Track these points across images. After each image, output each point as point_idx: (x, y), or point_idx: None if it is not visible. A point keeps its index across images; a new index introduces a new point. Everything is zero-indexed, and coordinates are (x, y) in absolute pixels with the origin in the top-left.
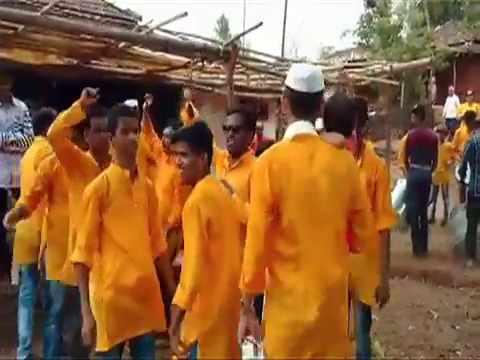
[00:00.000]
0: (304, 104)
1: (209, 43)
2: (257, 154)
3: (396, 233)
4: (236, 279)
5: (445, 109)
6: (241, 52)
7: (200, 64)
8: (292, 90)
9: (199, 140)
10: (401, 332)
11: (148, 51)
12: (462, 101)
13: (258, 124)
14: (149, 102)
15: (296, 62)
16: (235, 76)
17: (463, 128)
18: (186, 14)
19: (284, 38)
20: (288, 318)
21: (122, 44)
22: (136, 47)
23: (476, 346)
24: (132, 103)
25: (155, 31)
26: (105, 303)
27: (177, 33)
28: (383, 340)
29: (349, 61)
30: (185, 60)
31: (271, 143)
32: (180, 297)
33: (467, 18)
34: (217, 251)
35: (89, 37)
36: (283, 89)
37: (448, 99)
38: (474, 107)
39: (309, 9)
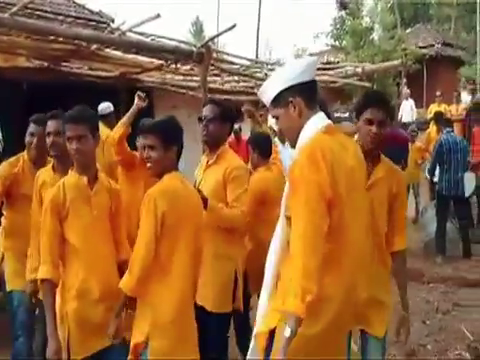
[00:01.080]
0: (315, 93)
1: (182, 45)
2: (254, 145)
3: None
4: (187, 278)
5: (400, 113)
6: (215, 54)
7: (173, 66)
8: (302, 84)
9: (169, 134)
10: None
11: (120, 53)
12: (432, 102)
13: (236, 126)
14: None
15: (270, 64)
16: (209, 78)
17: (433, 128)
18: (159, 16)
19: (258, 40)
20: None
21: (93, 46)
22: (108, 49)
23: (445, 340)
24: (107, 106)
25: (127, 33)
26: (69, 317)
27: (150, 35)
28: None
29: (322, 63)
30: (158, 62)
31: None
32: (126, 283)
33: (436, 21)
34: (169, 246)
35: (59, 39)
36: (288, 93)
37: (403, 102)
38: (443, 108)
39: (283, 11)
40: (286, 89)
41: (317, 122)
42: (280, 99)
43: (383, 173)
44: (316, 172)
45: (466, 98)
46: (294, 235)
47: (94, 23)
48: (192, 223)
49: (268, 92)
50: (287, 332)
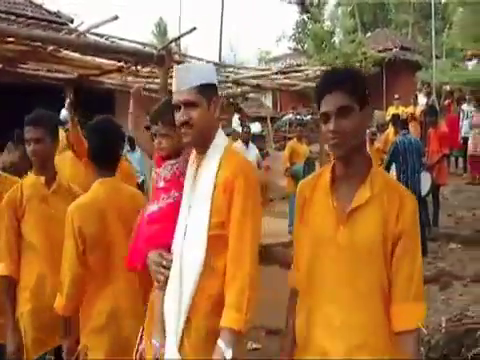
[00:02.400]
0: None
1: (142, 47)
2: None
3: None
4: (122, 289)
5: None
6: (177, 57)
7: (134, 68)
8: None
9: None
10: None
11: (78, 55)
12: (390, 104)
13: None
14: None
15: (234, 67)
16: (170, 80)
17: (391, 130)
18: (117, 18)
19: (221, 43)
20: None
21: (50, 47)
22: (66, 51)
23: None
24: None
25: (87, 35)
26: (24, 319)
27: (109, 37)
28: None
29: (286, 66)
30: (118, 64)
31: None
32: (58, 304)
33: (394, 26)
34: (100, 259)
35: (11, 40)
36: (212, 90)
37: None
38: (400, 110)
39: (247, 14)
40: (211, 85)
41: (223, 135)
42: (203, 92)
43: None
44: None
45: (422, 100)
46: (245, 248)
47: (52, 23)
48: (125, 232)
49: (191, 77)
50: (228, 354)
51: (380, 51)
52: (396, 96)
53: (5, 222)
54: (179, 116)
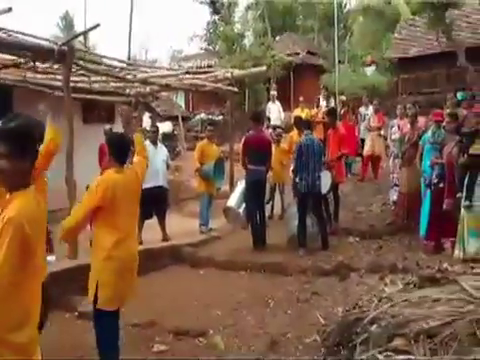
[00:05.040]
0: None
1: (42, 42)
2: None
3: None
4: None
5: (267, 114)
6: (82, 53)
7: (32, 64)
8: None
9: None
10: (240, 323)
11: None
12: (296, 106)
13: (107, 127)
14: None
15: (142, 66)
16: (76, 78)
17: (295, 131)
18: (10, 9)
19: (130, 41)
20: None
21: None
22: None
23: (303, 328)
24: None
25: None
26: None
27: (6, 31)
28: (224, 334)
29: (197, 67)
30: (15, 59)
31: None
32: None
33: (301, 31)
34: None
35: None
36: None
37: (270, 105)
38: (305, 112)
39: (159, 12)
40: None
41: None
42: None
43: None
44: None
45: (322, 103)
46: None
47: None
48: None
49: None
50: None
51: (288, 55)
52: (301, 98)
53: None
54: None
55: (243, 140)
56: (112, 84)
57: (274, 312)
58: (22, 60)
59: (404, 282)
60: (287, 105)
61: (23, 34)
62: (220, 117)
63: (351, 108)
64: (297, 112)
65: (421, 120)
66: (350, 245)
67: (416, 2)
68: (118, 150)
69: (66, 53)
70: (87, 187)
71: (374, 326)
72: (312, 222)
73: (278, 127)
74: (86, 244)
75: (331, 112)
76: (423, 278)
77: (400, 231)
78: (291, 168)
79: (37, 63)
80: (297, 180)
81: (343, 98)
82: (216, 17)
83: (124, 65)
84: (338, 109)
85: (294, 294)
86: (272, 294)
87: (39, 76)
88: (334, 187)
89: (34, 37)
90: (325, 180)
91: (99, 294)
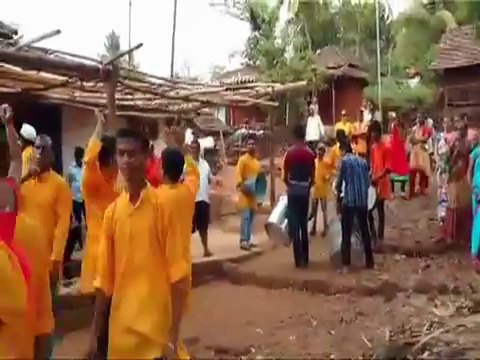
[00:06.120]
0: None
1: (87, 62)
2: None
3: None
4: None
5: (307, 130)
6: (126, 72)
7: (79, 83)
8: None
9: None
10: (283, 343)
11: (20, 69)
12: (338, 120)
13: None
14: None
15: (185, 83)
16: (121, 96)
17: (337, 145)
18: (59, 32)
19: (173, 58)
20: None
21: None
22: (8, 65)
23: (348, 349)
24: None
25: (28, 47)
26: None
27: (53, 51)
28: (266, 353)
29: (238, 82)
30: (63, 79)
31: None
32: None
33: (343, 44)
34: None
35: None
36: None
37: (309, 119)
38: (347, 126)
39: (200, 29)
40: None
41: None
42: None
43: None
44: None
45: (367, 117)
46: None
47: None
48: None
49: None
50: None
51: (329, 68)
52: (343, 112)
53: None
54: None
55: (285, 155)
56: (155, 101)
57: (317, 332)
58: (70, 79)
59: (457, 305)
60: (329, 119)
61: (70, 55)
62: (261, 132)
63: (401, 123)
64: (339, 126)
65: (471, 133)
66: (396, 263)
67: (462, 11)
68: (172, 166)
69: (111, 72)
70: None
71: (426, 353)
72: (356, 239)
73: (316, 142)
74: None
75: (375, 126)
76: (478, 302)
77: (449, 249)
78: (334, 184)
79: (84, 82)
80: (341, 196)
81: (393, 115)
82: (256, 33)
83: (166, 82)
84: (389, 124)
85: (338, 314)
86: (315, 313)
87: (86, 94)
88: (379, 203)
89: (80, 57)
90: (370, 196)
91: None
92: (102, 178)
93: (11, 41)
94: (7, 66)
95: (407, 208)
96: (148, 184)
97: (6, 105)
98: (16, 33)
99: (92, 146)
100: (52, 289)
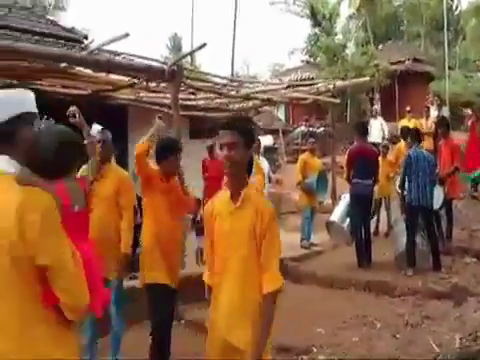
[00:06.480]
0: None
1: (153, 64)
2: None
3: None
4: None
5: (370, 130)
6: (189, 72)
7: (145, 84)
8: None
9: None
10: (346, 344)
11: (90, 71)
12: (402, 117)
13: (210, 142)
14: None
15: (245, 81)
16: (184, 95)
17: (402, 143)
18: (128, 35)
19: (233, 58)
20: None
21: (63, 64)
22: (79, 67)
23: (415, 354)
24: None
25: (98, 50)
26: None
27: (121, 54)
28: (328, 353)
29: (298, 79)
30: (130, 80)
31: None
32: None
33: (407, 38)
34: None
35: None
36: None
37: (372, 122)
38: (412, 123)
39: (259, 28)
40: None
41: None
42: None
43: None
44: None
45: (434, 113)
46: None
47: (66, 40)
48: None
49: None
50: None
51: (392, 63)
52: (408, 108)
53: None
54: None
55: (347, 152)
56: (216, 100)
57: (381, 334)
58: (136, 81)
59: None
60: (392, 115)
61: (136, 56)
62: (321, 129)
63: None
64: (404, 122)
65: None
66: (466, 266)
67: None
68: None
69: (175, 73)
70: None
71: None
72: (422, 240)
73: (378, 144)
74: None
75: (442, 122)
76: None
77: None
78: (398, 182)
79: (148, 83)
80: (405, 194)
81: (469, 111)
82: (317, 29)
83: (227, 81)
84: (466, 121)
85: (402, 317)
86: (378, 315)
87: (151, 94)
88: (447, 203)
89: (146, 59)
90: (437, 195)
91: None
92: (152, 171)
93: (82, 45)
94: (79, 68)
95: (477, 208)
96: (250, 182)
97: (74, 108)
98: (86, 38)
99: (139, 145)
100: (119, 282)
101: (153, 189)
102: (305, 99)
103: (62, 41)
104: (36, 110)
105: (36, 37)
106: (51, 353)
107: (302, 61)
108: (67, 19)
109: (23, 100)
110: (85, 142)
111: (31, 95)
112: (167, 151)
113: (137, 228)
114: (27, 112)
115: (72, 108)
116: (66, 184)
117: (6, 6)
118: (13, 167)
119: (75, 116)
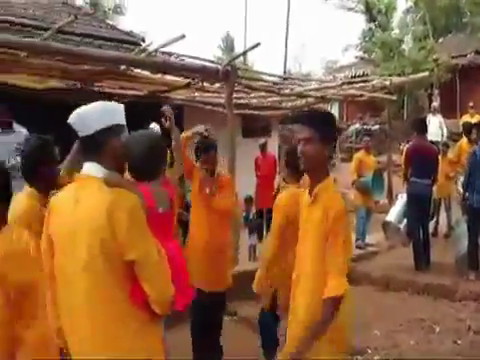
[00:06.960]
0: (83, 147)
1: (208, 64)
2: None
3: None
4: None
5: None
6: (242, 71)
7: (200, 84)
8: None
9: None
10: (402, 347)
11: (148, 73)
12: (464, 113)
13: (262, 141)
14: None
15: (299, 79)
16: (237, 94)
17: (464, 140)
18: (184, 36)
19: (286, 56)
20: None
21: (123, 67)
22: (137, 69)
23: None
24: (155, 127)
25: (155, 53)
26: None
27: (177, 55)
28: (383, 355)
29: (352, 76)
30: (185, 81)
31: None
32: None
33: (470, 29)
34: None
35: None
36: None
37: (430, 118)
38: (475, 118)
39: (312, 24)
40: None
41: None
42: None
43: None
44: None
45: None
46: None
47: (125, 43)
48: None
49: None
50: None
51: (453, 57)
52: (471, 104)
53: None
54: None
55: (405, 150)
56: (269, 99)
57: (441, 339)
58: (191, 81)
59: None
60: (453, 112)
61: (191, 57)
62: (376, 126)
63: None
64: (466, 118)
65: None
66: None
67: None
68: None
69: (229, 72)
70: (247, 198)
71: None
72: None
73: (437, 143)
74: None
75: None
76: None
77: None
78: (460, 181)
79: (203, 83)
80: (467, 194)
81: None
82: (372, 24)
83: (280, 80)
84: None
85: (464, 322)
86: (437, 319)
87: (205, 95)
88: None
89: (200, 59)
90: None
91: None
92: (191, 164)
93: (141, 48)
94: (137, 70)
95: None
96: (329, 178)
97: (167, 108)
98: (144, 40)
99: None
100: None
101: (193, 179)
102: (360, 96)
103: (121, 44)
104: (124, 122)
105: (99, 41)
106: (137, 350)
107: (356, 57)
108: (125, 23)
109: (115, 112)
110: (173, 144)
111: (121, 108)
112: (202, 149)
113: (184, 225)
114: (117, 124)
115: (166, 107)
116: (151, 186)
117: (72, 13)
118: (101, 173)
119: (166, 117)
